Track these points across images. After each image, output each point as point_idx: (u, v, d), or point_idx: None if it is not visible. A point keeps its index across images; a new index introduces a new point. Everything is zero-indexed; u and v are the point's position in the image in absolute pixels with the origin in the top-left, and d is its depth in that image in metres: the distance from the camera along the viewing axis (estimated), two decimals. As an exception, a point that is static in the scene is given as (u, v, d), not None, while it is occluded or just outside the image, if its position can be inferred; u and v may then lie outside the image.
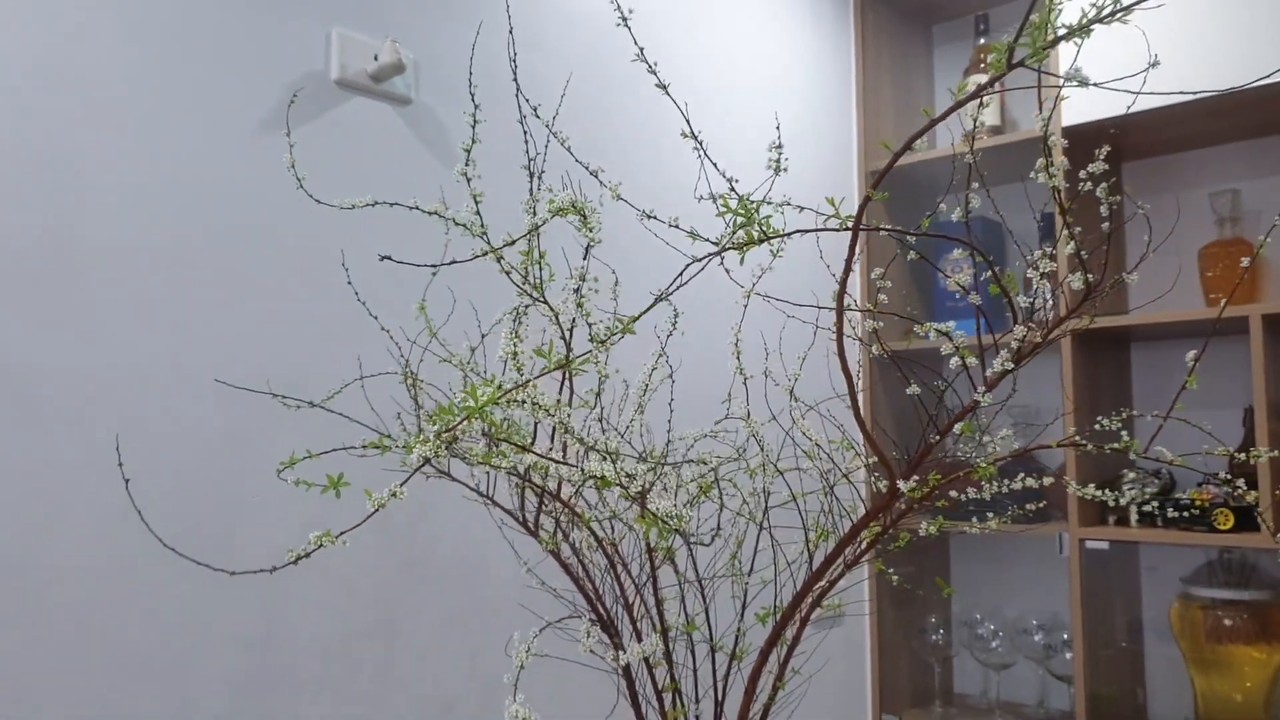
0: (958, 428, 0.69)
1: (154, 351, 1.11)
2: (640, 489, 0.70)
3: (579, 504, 0.82)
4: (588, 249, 0.69)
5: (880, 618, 2.13)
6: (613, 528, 0.85)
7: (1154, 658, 2.04)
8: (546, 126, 0.76)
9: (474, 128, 0.71)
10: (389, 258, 0.72)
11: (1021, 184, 0.69)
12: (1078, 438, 0.73)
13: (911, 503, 0.71)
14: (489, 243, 0.69)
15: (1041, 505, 1.83)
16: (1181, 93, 0.60)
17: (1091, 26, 0.49)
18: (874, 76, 2.25)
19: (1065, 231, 0.66)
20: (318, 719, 1.22)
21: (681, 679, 0.85)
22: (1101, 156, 0.64)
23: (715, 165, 0.66)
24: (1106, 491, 0.74)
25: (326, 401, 0.90)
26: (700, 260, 0.65)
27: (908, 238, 0.68)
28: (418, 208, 0.71)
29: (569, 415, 0.68)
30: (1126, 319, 1.85)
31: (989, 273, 0.66)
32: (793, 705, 0.86)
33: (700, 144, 0.70)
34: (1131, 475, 1.88)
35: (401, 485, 0.58)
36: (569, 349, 0.69)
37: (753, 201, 0.63)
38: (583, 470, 0.70)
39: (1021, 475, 0.77)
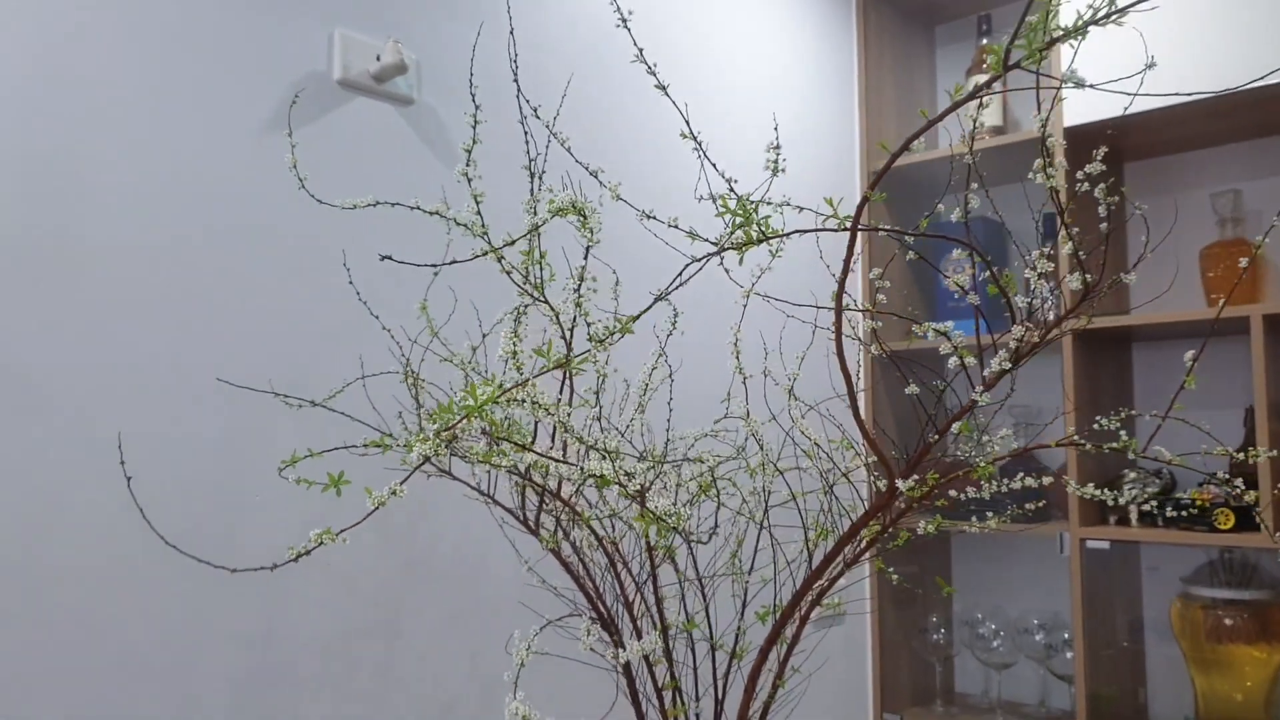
0: (956, 427, 0.70)
1: (155, 351, 1.11)
2: (639, 487, 0.71)
3: (579, 503, 0.82)
4: (588, 249, 0.70)
5: (881, 617, 2.13)
6: (613, 526, 0.86)
7: (1155, 657, 2.04)
8: (547, 127, 0.76)
9: (475, 128, 0.71)
10: (390, 257, 0.73)
11: (1023, 184, 0.69)
12: (1077, 437, 0.73)
13: (910, 502, 0.72)
14: (490, 243, 0.69)
15: (1041, 505, 1.84)
16: (1178, 94, 0.60)
17: (1087, 28, 0.50)
18: (876, 77, 2.25)
19: (1064, 232, 0.66)
20: (318, 717, 1.22)
21: (681, 677, 0.86)
22: (1099, 157, 0.65)
23: (715, 166, 0.67)
24: (1106, 491, 0.74)
25: (328, 401, 0.90)
26: (699, 260, 0.65)
27: (906, 238, 0.69)
28: (419, 208, 0.71)
29: (569, 414, 0.68)
30: (1127, 319, 1.85)
31: (987, 273, 0.66)
32: (793, 704, 0.86)
33: (699, 144, 0.71)
34: (1132, 475, 1.88)
35: (402, 483, 0.58)
36: (569, 348, 0.69)
37: (752, 202, 0.63)
38: (582, 469, 0.70)
39: (1021, 475, 0.78)
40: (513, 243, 0.69)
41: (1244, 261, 1.80)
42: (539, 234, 0.70)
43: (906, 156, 1.78)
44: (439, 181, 1.38)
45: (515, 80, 0.81)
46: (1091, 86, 0.53)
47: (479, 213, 0.70)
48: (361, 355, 1.19)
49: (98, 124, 1.08)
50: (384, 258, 0.73)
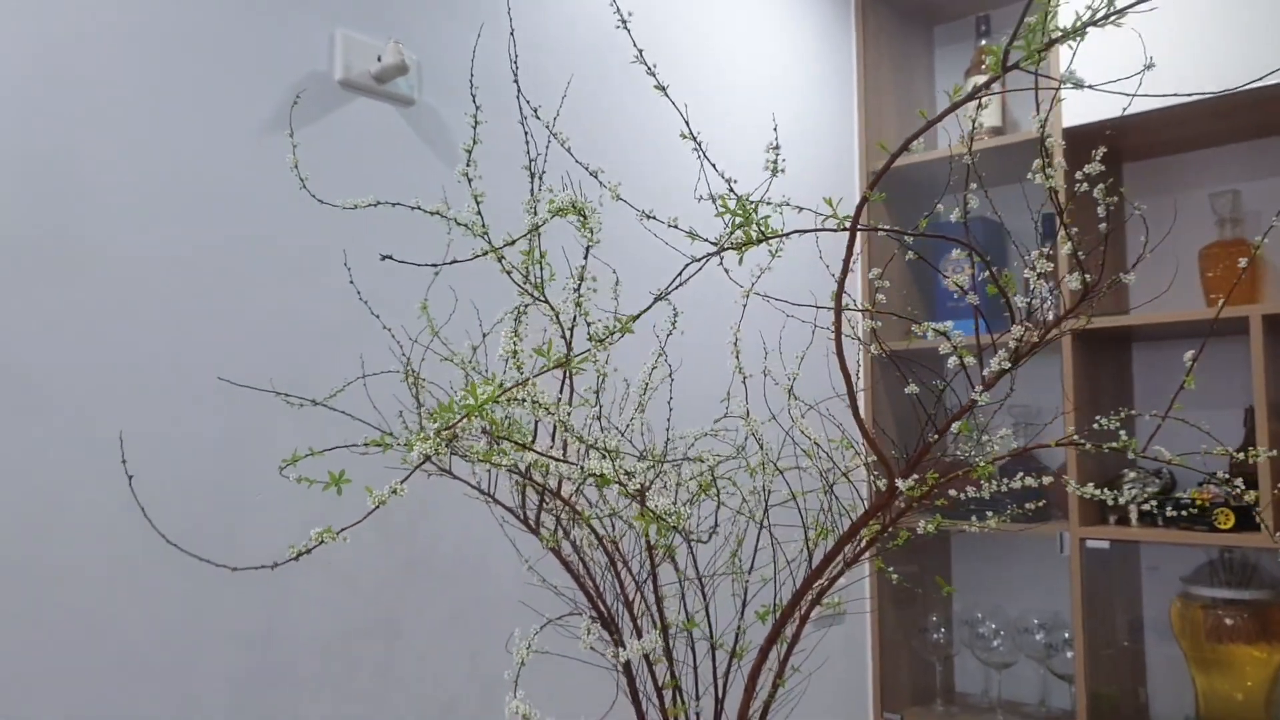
0: (955, 427, 0.70)
1: (156, 350, 1.11)
2: (639, 487, 0.71)
3: (579, 502, 0.83)
4: (588, 249, 0.70)
5: (881, 616, 2.14)
6: (613, 525, 0.86)
7: (1155, 657, 2.04)
8: (547, 127, 0.77)
9: (475, 128, 0.71)
10: (391, 257, 0.73)
11: (1022, 185, 0.69)
12: (1076, 437, 0.73)
13: (910, 501, 0.72)
14: (490, 242, 0.69)
15: (1041, 504, 1.84)
16: (1177, 94, 0.60)
17: (1085, 29, 0.50)
18: (875, 77, 2.25)
19: (1063, 232, 0.67)
20: (318, 717, 1.22)
21: (682, 676, 0.86)
22: (1098, 158, 0.65)
23: (714, 166, 0.67)
24: (1106, 491, 0.74)
25: (329, 400, 0.91)
26: (699, 260, 0.65)
27: (905, 238, 0.69)
28: (419, 208, 0.72)
29: (569, 414, 0.68)
30: (1127, 319, 1.85)
31: (986, 273, 0.66)
32: (793, 703, 0.87)
33: (699, 144, 0.71)
34: (1132, 475, 1.88)
35: (402, 482, 0.58)
36: (569, 348, 0.69)
37: (751, 202, 0.64)
38: (583, 468, 0.70)
39: (1021, 474, 0.78)
40: (513, 243, 0.69)
41: (1243, 262, 1.80)
42: (539, 234, 0.70)
43: (906, 157, 1.78)
44: (439, 181, 1.38)
45: (515, 81, 0.82)
46: (1090, 87, 0.53)
47: (479, 213, 0.70)
48: (362, 355, 1.19)
49: (98, 124, 1.08)
50: (385, 257, 0.74)
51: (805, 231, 0.65)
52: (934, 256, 2.00)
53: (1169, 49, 1.73)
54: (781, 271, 0.87)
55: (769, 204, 0.65)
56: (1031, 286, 0.70)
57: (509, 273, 0.71)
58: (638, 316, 0.66)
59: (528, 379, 0.64)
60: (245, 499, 1.17)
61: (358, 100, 1.32)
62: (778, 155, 0.68)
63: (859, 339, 0.91)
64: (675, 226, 0.69)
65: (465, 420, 0.60)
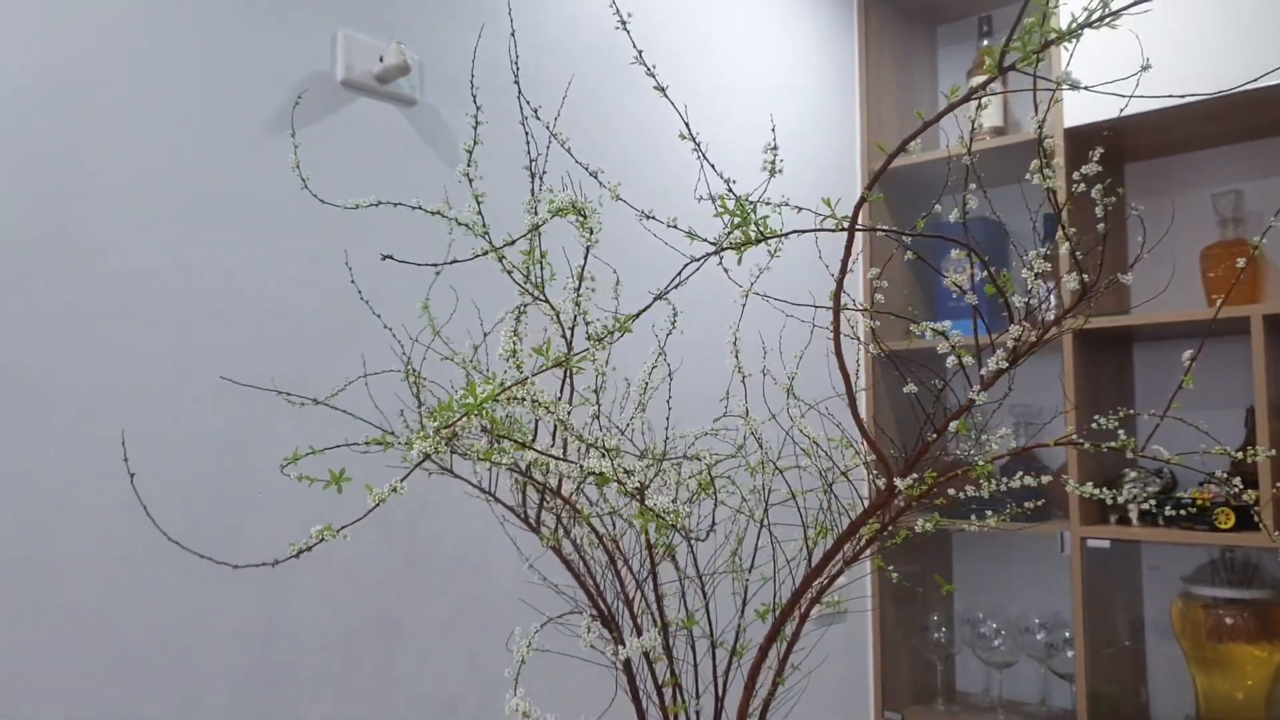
0: (954, 426, 0.70)
1: (157, 350, 1.12)
2: (639, 485, 0.71)
3: (580, 500, 0.83)
4: (588, 249, 0.70)
5: (882, 615, 2.14)
6: (613, 524, 0.86)
7: (1155, 656, 2.04)
8: (547, 128, 0.77)
9: (476, 129, 0.72)
10: (392, 257, 0.73)
11: (1022, 185, 0.69)
12: (1076, 436, 0.73)
13: (909, 500, 0.72)
14: (491, 242, 0.70)
15: (1041, 504, 1.84)
16: (1173, 95, 0.60)
17: (1081, 31, 0.50)
18: (877, 77, 2.25)
19: (1061, 232, 0.67)
20: (319, 716, 1.23)
21: (682, 674, 0.86)
22: (1096, 158, 0.65)
23: (713, 166, 0.67)
24: (1106, 490, 0.74)
25: (330, 399, 0.91)
26: (698, 260, 0.66)
27: (904, 238, 0.69)
28: (420, 208, 0.72)
29: (569, 413, 0.69)
30: (1127, 319, 1.85)
31: (985, 273, 0.66)
32: (793, 701, 0.87)
33: (698, 145, 0.71)
34: (1133, 474, 1.88)
35: (402, 480, 0.58)
36: (569, 347, 0.69)
37: (750, 202, 0.64)
38: (583, 467, 0.70)
39: (1021, 474, 0.78)
40: (513, 242, 0.70)
41: (1241, 261, 1.80)
42: (539, 234, 0.70)
43: (906, 157, 1.78)
44: (441, 181, 1.38)
45: (516, 81, 0.82)
46: (1086, 88, 0.54)
47: (480, 212, 0.70)
48: (363, 354, 1.20)
49: (98, 124, 1.09)
50: (386, 257, 0.74)
51: (803, 231, 0.66)
52: (935, 256, 2.01)
53: (1168, 50, 1.73)
54: (781, 271, 0.87)
55: (768, 204, 0.65)
56: (1030, 287, 0.70)
57: (509, 272, 0.72)
58: (637, 316, 0.66)
59: (528, 378, 0.64)
60: (246, 497, 1.17)
61: (359, 100, 1.32)
62: (775, 156, 0.68)
63: (858, 339, 0.91)
64: (675, 226, 0.70)
65: (465, 419, 0.61)
